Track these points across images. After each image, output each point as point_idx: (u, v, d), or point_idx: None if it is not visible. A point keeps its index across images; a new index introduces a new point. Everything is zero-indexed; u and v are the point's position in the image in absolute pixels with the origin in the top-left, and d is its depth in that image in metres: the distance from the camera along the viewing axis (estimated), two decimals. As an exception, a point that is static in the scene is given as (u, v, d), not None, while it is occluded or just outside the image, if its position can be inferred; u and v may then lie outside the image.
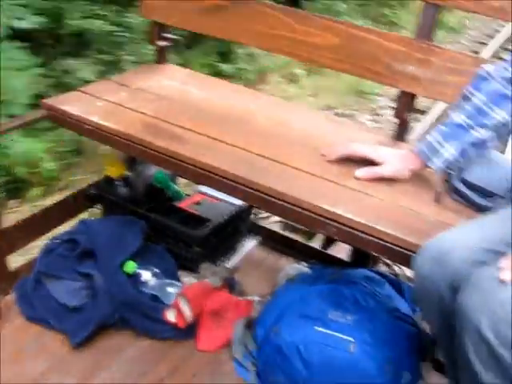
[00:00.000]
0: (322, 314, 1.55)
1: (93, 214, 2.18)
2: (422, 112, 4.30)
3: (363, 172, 1.50)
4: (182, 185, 2.25)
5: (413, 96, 1.70)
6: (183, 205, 2.07)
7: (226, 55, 4.52)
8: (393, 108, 1.81)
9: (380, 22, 6.24)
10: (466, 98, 1.42)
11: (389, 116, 4.37)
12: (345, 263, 1.99)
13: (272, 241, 2.18)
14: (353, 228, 1.33)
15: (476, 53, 5.71)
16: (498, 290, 1.01)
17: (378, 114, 4.64)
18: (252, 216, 2.22)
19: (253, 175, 1.46)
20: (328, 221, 1.36)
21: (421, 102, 2.04)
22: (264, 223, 2.30)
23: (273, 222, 2.37)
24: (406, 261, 1.26)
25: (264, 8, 1.84)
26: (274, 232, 2.22)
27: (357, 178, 1.49)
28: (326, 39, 1.74)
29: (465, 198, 1.46)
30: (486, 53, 5.91)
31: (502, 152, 3.79)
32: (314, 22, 1.76)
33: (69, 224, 2.02)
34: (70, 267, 1.78)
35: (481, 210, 1.41)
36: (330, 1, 5.57)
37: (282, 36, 1.81)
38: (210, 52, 4.41)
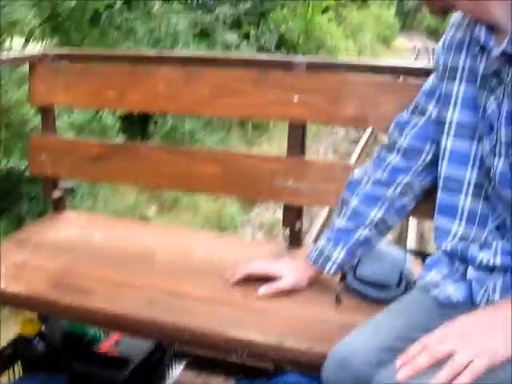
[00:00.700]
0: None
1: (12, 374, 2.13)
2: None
3: (264, 289, 1.58)
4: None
5: (298, 207, 1.83)
6: (103, 348, 2.07)
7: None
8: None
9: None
10: (343, 203, 1.56)
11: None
12: (270, 372, 2.03)
13: (198, 362, 2.20)
14: (261, 349, 1.39)
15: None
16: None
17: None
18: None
19: (161, 315, 1.50)
20: (237, 346, 1.42)
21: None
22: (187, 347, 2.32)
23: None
24: (318, 369, 1.32)
25: (146, 149, 1.97)
26: (198, 354, 2.24)
27: (259, 297, 1.57)
28: (207, 169, 1.87)
29: (362, 295, 1.56)
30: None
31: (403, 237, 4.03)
32: (194, 154, 1.90)
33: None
34: None
35: (379, 303, 1.51)
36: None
37: (166, 172, 1.92)
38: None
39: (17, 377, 2.06)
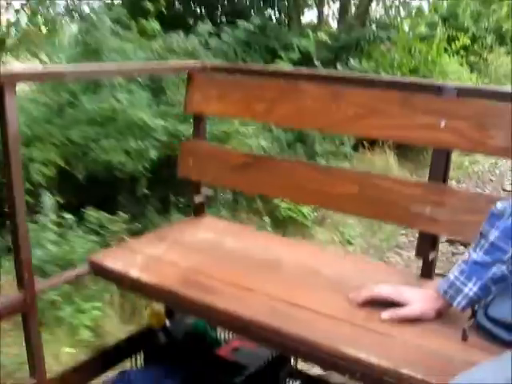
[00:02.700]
0: None
1: (134, 362, 2.24)
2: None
3: (388, 314, 1.53)
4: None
5: (434, 236, 1.77)
6: (222, 352, 2.12)
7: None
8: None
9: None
10: (482, 236, 1.48)
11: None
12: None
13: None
14: (376, 371, 1.35)
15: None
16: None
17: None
18: (293, 360, 2.23)
19: (279, 323, 1.52)
20: (352, 365, 1.38)
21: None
22: (304, 367, 2.30)
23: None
24: (433, 402, 1.27)
25: (289, 163, 2.01)
26: (313, 376, 2.22)
27: (382, 321, 1.53)
28: (345, 187, 1.86)
29: (491, 335, 1.46)
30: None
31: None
32: (333, 173, 1.90)
33: (110, 373, 2.08)
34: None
35: (508, 345, 1.41)
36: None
37: (305, 188, 1.95)
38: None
39: (139, 365, 2.16)
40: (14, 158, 1.61)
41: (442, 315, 1.53)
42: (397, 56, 7.93)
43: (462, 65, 11.02)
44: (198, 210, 2.29)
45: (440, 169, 1.73)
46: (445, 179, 1.74)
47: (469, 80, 10.39)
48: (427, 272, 1.82)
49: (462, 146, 1.69)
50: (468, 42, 11.35)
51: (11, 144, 1.60)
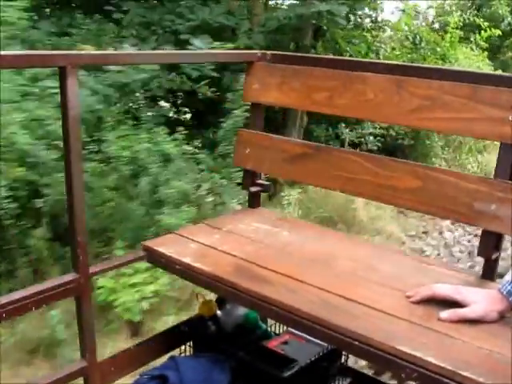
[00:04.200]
0: None
1: (183, 350, 2.24)
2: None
3: (448, 314, 1.47)
4: (272, 323, 2.28)
5: (498, 235, 1.69)
6: (271, 344, 2.09)
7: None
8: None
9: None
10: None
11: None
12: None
13: (363, 382, 2.13)
14: (432, 371, 1.29)
15: None
16: None
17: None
18: (343, 357, 2.19)
19: (335, 318, 1.48)
20: (407, 364, 1.33)
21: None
22: (355, 365, 2.26)
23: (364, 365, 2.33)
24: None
25: (346, 155, 1.96)
26: (365, 374, 2.17)
27: (441, 320, 1.47)
28: (406, 182, 1.80)
29: (557, 341, 1.39)
30: None
31: None
32: (394, 166, 1.84)
33: (160, 360, 2.08)
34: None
35: None
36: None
37: (364, 180, 1.90)
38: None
39: (188, 353, 2.15)
40: (72, 139, 1.62)
41: (504, 317, 1.46)
42: (384, 46, 7.13)
43: (482, 60, 9.34)
44: (253, 201, 2.27)
45: (507, 165, 1.65)
46: (510, 176, 1.66)
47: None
48: (489, 273, 1.74)
49: (530, 141, 1.60)
50: (498, 32, 9.54)
51: (71, 127, 1.62)
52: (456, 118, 1.71)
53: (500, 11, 10.83)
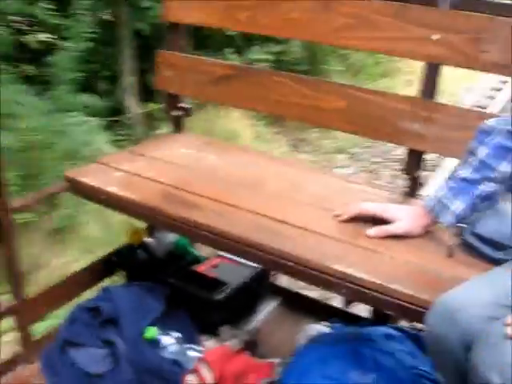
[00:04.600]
0: (343, 374, 1.55)
1: (115, 280, 2.22)
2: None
3: (375, 231, 1.52)
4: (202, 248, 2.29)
5: (420, 153, 1.74)
6: (202, 269, 2.11)
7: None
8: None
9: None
10: (471, 153, 1.45)
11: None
12: (366, 321, 1.99)
13: (292, 301, 2.19)
14: (364, 287, 1.34)
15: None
16: (506, 347, 1.01)
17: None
18: (271, 277, 2.24)
19: (266, 239, 1.49)
20: (340, 281, 1.37)
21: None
22: (283, 283, 2.32)
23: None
24: (419, 318, 1.26)
25: (273, 76, 1.93)
26: (294, 292, 2.23)
27: (369, 237, 1.51)
28: (334, 103, 1.80)
29: (477, 252, 1.46)
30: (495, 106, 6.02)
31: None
32: (321, 87, 1.83)
33: (92, 291, 2.06)
34: (93, 335, 1.81)
35: (494, 262, 1.41)
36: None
37: (291, 102, 1.88)
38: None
39: (119, 283, 2.14)
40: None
41: (428, 232, 1.53)
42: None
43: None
44: (176, 125, 2.21)
45: (431, 84, 1.68)
46: (434, 94, 1.69)
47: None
48: (412, 190, 1.79)
49: (454, 61, 1.62)
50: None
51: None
52: (382, 37, 1.70)
53: None
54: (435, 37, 1.62)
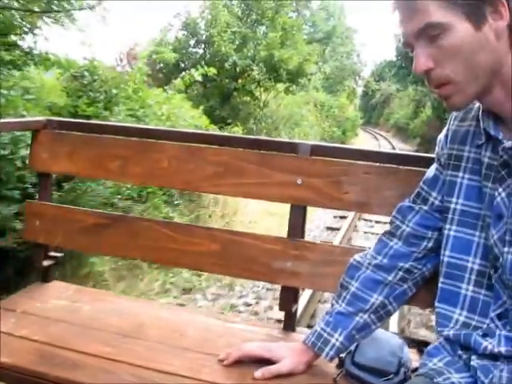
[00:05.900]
0: None
1: None
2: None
3: (261, 372, 1.54)
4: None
5: (296, 289, 1.82)
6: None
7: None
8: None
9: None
10: (343, 287, 1.56)
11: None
12: None
13: None
14: None
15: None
16: None
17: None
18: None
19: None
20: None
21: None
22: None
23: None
24: None
25: (143, 222, 1.97)
26: None
27: (256, 379, 1.53)
28: (206, 246, 1.86)
29: (361, 381, 1.53)
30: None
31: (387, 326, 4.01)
32: (194, 232, 1.89)
33: None
34: None
35: (377, 389, 1.49)
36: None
37: (164, 247, 1.91)
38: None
39: None
40: None
41: (311, 367, 1.58)
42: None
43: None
44: (46, 276, 2.14)
45: (298, 224, 1.80)
46: (302, 234, 1.81)
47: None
48: (290, 324, 1.86)
49: (319, 202, 1.77)
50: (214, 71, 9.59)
51: None
52: (250, 183, 1.82)
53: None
54: (299, 181, 1.77)
